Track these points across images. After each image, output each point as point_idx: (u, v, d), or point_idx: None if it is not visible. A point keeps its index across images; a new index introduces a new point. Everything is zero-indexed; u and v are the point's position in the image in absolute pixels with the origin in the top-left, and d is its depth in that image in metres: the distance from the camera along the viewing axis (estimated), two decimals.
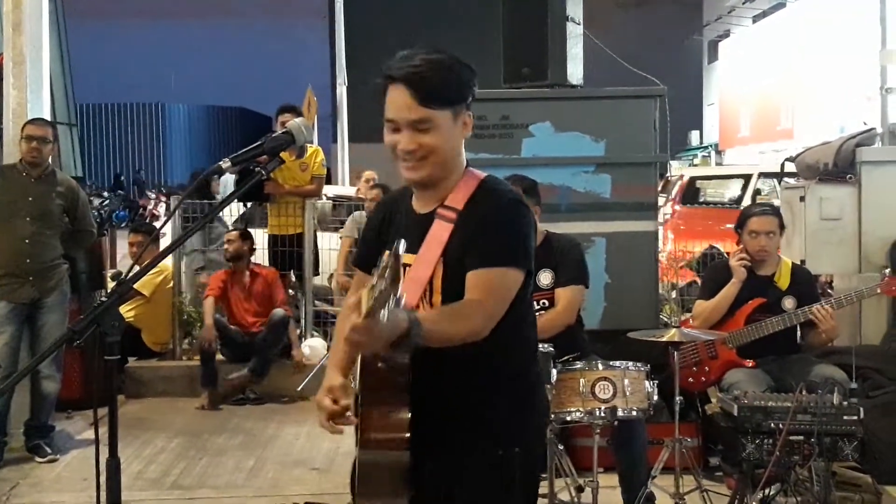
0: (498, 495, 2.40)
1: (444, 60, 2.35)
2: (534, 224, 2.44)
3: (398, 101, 2.32)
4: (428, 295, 2.39)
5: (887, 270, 4.98)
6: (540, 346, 4.26)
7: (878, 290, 4.93)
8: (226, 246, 7.57)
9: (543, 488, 4.57)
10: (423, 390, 2.31)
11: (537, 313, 4.73)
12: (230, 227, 8.46)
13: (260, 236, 8.01)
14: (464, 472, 2.40)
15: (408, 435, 2.27)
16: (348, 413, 2.32)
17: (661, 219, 11.20)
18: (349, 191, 13.17)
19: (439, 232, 2.38)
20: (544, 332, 4.35)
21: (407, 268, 2.38)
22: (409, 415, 2.28)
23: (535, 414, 2.52)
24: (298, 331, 7.63)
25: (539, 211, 4.82)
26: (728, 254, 6.66)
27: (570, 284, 4.67)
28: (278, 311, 7.25)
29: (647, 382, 4.29)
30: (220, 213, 8.80)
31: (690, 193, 13.15)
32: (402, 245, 2.04)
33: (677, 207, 12.82)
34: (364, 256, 2.55)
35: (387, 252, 1.99)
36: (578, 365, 4.29)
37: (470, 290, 2.31)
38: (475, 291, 2.31)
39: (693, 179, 13.64)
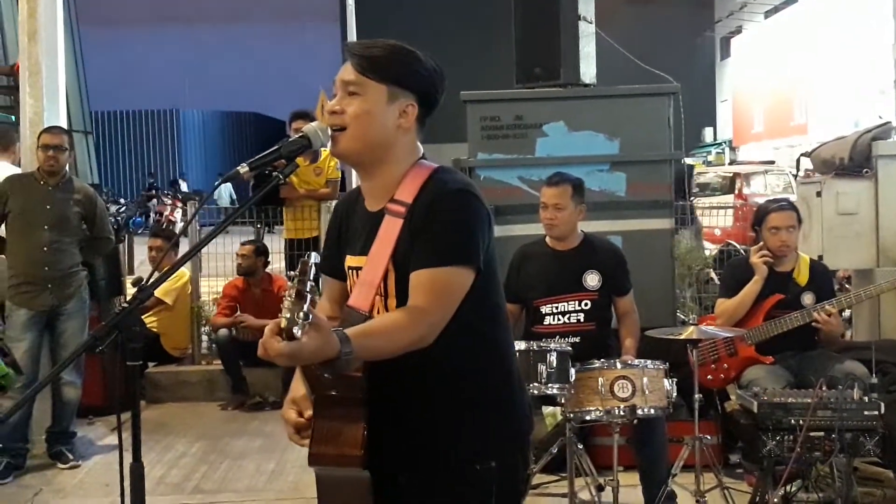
0: None
1: (400, 47, 2.30)
2: (487, 217, 2.27)
3: (341, 71, 2.30)
4: (383, 298, 2.27)
5: None
6: (556, 344, 4.30)
7: None
8: (239, 261, 7.52)
9: (563, 487, 4.58)
10: (387, 403, 2.23)
11: (578, 313, 4.77)
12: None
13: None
14: (438, 487, 2.29)
15: (361, 453, 2.16)
16: None
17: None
18: None
19: (389, 229, 2.26)
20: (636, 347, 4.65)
21: (358, 271, 2.32)
22: (364, 431, 2.17)
23: (512, 424, 2.35)
24: None
25: (584, 210, 4.84)
26: (745, 251, 6.64)
27: (629, 293, 4.85)
28: None
29: (665, 381, 4.30)
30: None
31: None
32: (314, 257, 1.99)
33: None
34: (329, 263, 2.47)
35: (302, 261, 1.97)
36: (597, 364, 4.30)
37: (413, 292, 2.18)
38: (418, 295, 2.17)
39: None
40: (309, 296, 1.93)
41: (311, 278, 1.96)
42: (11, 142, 6.53)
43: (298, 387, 2.31)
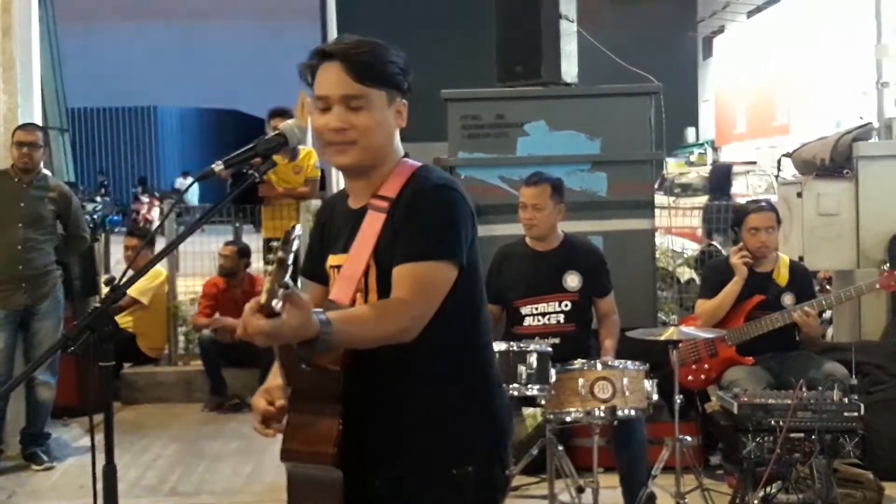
0: None
1: (381, 44, 2.26)
2: (470, 213, 2.24)
3: (331, 77, 2.20)
4: (364, 295, 2.24)
5: (886, 265, 4.95)
6: (536, 346, 4.27)
7: (878, 286, 4.91)
8: (221, 261, 7.45)
9: (543, 489, 4.55)
10: (364, 400, 2.20)
11: (558, 314, 4.74)
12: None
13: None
14: (414, 491, 2.23)
15: (334, 450, 2.11)
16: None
17: None
18: None
19: (371, 224, 2.23)
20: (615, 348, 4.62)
21: (338, 269, 2.29)
22: (339, 428, 2.12)
23: (492, 429, 2.30)
24: None
25: (564, 210, 4.82)
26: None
27: (609, 293, 4.83)
28: None
29: (646, 381, 4.28)
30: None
31: None
32: (298, 228, 1.97)
33: None
34: (310, 267, 2.44)
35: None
36: (577, 365, 4.28)
37: (396, 286, 2.15)
38: (401, 289, 2.14)
39: None
40: (290, 267, 1.91)
41: (294, 250, 1.92)
42: None
43: (274, 377, 2.28)
